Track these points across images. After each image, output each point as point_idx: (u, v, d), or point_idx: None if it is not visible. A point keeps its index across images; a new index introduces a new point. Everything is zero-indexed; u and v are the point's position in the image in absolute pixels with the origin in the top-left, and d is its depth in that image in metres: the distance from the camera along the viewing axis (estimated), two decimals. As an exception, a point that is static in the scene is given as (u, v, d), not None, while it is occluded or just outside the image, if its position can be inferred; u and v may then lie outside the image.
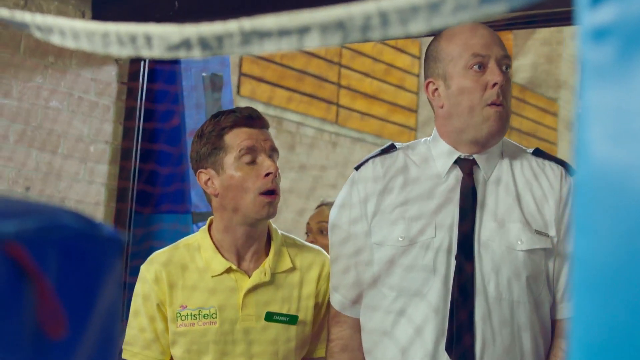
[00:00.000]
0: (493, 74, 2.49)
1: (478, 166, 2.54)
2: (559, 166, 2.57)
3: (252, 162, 2.64)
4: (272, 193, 2.64)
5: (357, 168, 2.69)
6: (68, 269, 1.02)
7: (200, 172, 2.69)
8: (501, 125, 2.50)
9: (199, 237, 2.75)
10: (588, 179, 0.78)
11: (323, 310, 2.76)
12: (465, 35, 2.53)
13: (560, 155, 13.75)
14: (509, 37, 15.25)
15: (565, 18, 4.03)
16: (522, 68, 14.50)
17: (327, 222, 4.06)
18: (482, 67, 2.50)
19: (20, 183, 4.88)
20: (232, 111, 2.71)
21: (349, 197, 2.65)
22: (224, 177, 2.64)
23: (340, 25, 1.06)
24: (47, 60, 5.06)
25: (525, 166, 2.57)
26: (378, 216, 2.58)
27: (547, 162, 2.59)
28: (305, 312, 2.72)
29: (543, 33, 14.12)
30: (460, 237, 2.47)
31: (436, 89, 2.57)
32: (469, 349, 2.42)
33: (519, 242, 2.45)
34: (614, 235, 0.76)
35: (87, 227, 1.04)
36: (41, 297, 0.96)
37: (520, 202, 2.50)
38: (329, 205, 4.12)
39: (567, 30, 13.63)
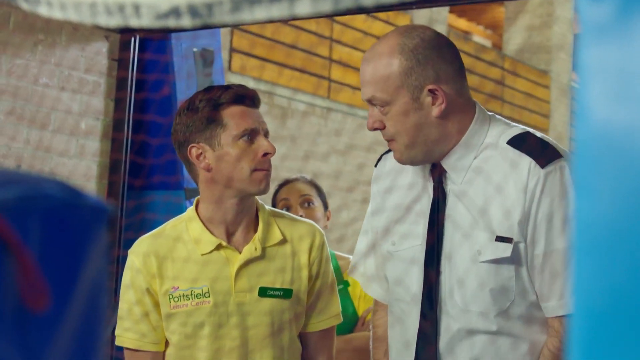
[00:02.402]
0: (368, 119, 2.53)
1: (447, 172, 2.51)
2: (529, 158, 2.39)
3: (250, 142, 2.63)
4: (265, 169, 2.64)
5: (375, 165, 2.78)
6: (50, 239, 0.99)
7: (192, 146, 2.65)
8: (398, 156, 2.51)
9: (187, 216, 2.74)
10: (588, 139, 0.76)
11: (318, 283, 2.76)
12: None
13: (553, 127, 13.78)
14: (501, 10, 15.25)
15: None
16: (514, 41, 14.49)
17: (307, 194, 4.02)
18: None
19: (10, 159, 4.86)
20: (228, 87, 2.68)
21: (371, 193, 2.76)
22: (219, 153, 2.62)
23: (331, -9, 1.04)
24: (36, 37, 5.03)
25: (498, 162, 2.44)
26: (377, 216, 2.68)
27: (520, 156, 2.41)
28: (299, 285, 2.71)
29: (533, 4, 14.10)
30: (428, 249, 2.50)
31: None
32: None
33: (477, 253, 2.41)
34: (615, 196, 0.75)
35: (70, 196, 1.01)
36: (22, 268, 0.94)
37: (487, 207, 2.42)
38: (301, 180, 4.06)
39: (558, 2, 13.62)
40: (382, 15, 10.12)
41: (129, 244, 2.78)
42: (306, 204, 3.92)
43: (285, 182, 4.06)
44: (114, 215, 1.10)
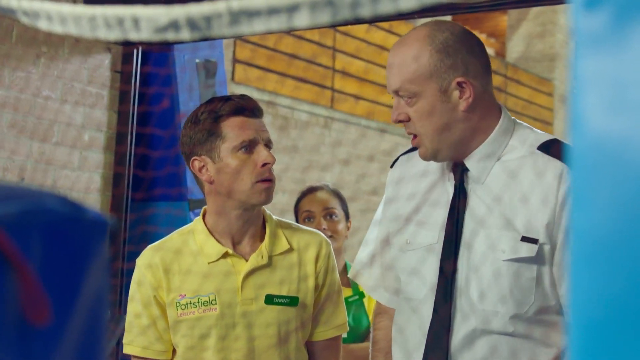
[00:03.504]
0: (393, 110, 2.49)
1: (469, 171, 2.49)
2: (561, 163, 2.40)
3: (250, 152, 2.63)
4: (267, 180, 2.63)
5: (391, 166, 2.75)
6: (52, 253, 0.99)
7: (195, 159, 2.67)
8: (422, 152, 2.48)
9: (194, 225, 2.75)
10: (584, 150, 0.77)
11: (324, 292, 2.76)
12: None
13: (556, 134, 13.77)
14: (504, 18, 15.26)
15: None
16: (516, 48, 14.50)
17: (331, 207, 3.97)
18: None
19: (13, 172, 4.87)
20: (229, 98, 2.69)
21: (385, 196, 2.71)
22: (219, 165, 2.63)
23: (329, 3, 1.04)
24: (38, 49, 5.04)
25: (526, 165, 2.44)
26: (395, 218, 2.63)
27: (550, 160, 2.42)
28: (305, 293, 2.71)
29: (535, 12, 14.11)
30: (445, 248, 2.47)
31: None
32: None
33: (502, 252, 2.39)
34: (612, 207, 0.75)
35: (71, 211, 1.01)
36: (24, 283, 0.94)
37: (510, 208, 2.42)
38: (324, 190, 4.03)
39: (559, 8, 13.63)
40: (384, 24, 10.13)
41: (132, 256, 2.79)
42: (329, 216, 3.91)
43: (308, 191, 4.03)
44: (116, 229, 1.10)
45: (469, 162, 2.48)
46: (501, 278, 2.39)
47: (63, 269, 1.00)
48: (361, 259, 2.77)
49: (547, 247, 2.38)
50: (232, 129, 2.64)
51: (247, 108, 2.67)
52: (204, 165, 2.66)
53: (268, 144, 2.68)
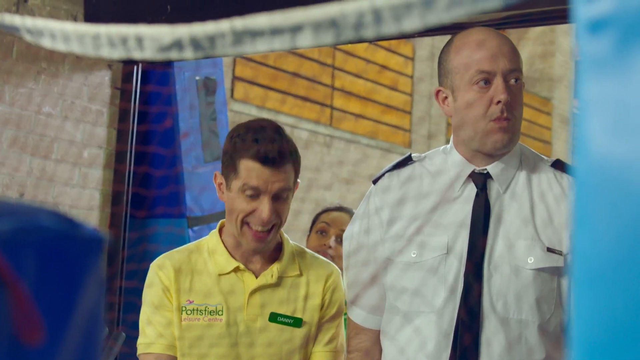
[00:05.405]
0: (497, 91, 2.45)
1: (492, 179, 2.53)
2: None
3: (255, 197, 2.61)
4: (263, 232, 2.64)
5: (374, 182, 2.73)
6: (46, 271, 0.98)
7: (217, 173, 2.72)
8: (507, 138, 2.47)
9: (209, 239, 2.78)
10: (587, 173, 0.77)
11: (327, 315, 2.75)
12: (472, 47, 2.50)
13: (555, 154, 13.78)
14: (502, 37, 15.25)
15: (559, 16, 4.02)
16: (516, 68, 14.49)
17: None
18: (488, 82, 2.47)
19: (13, 188, 4.87)
20: (256, 139, 2.62)
21: (366, 209, 2.69)
22: (228, 195, 2.65)
23: (333, 24, 1.05)
24: (39, 66, 5.05)
25: (543, 179, 2.54)
26: (391, 230, 2.60)
27: (565, 175, 2.54)
28: (311, 315, 2.71)
29: (536, 32, 14.13)
30: (470, 256, 2.47)
31: (446, 98, 2.57)
32: None
33: (528, 261, 2.44)
34: (614, 230, 0.75)
35: (66, 227, 1.00)
36: (17, 302, 0.92)
37: (534, 219, 2.48)
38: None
39: (560, 29, 13.66)
40: (384, 43, 10.15)
41: (131, 275, 2.79)
42: (339, 240, 3.89)
43: (337, 209, 4.08)
44: (113, 246, 1.10)
45: (494, 170, 2.54)
46: (526, 287, 2.43)
47: (57, 287, 0.99)
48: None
49: (569, 257, 2.44)
50: (244, 171, 2.62)
51: (265, 156, 2.61)
52: (221, 184, 2.68)
53: (280, 194, 2.64)
